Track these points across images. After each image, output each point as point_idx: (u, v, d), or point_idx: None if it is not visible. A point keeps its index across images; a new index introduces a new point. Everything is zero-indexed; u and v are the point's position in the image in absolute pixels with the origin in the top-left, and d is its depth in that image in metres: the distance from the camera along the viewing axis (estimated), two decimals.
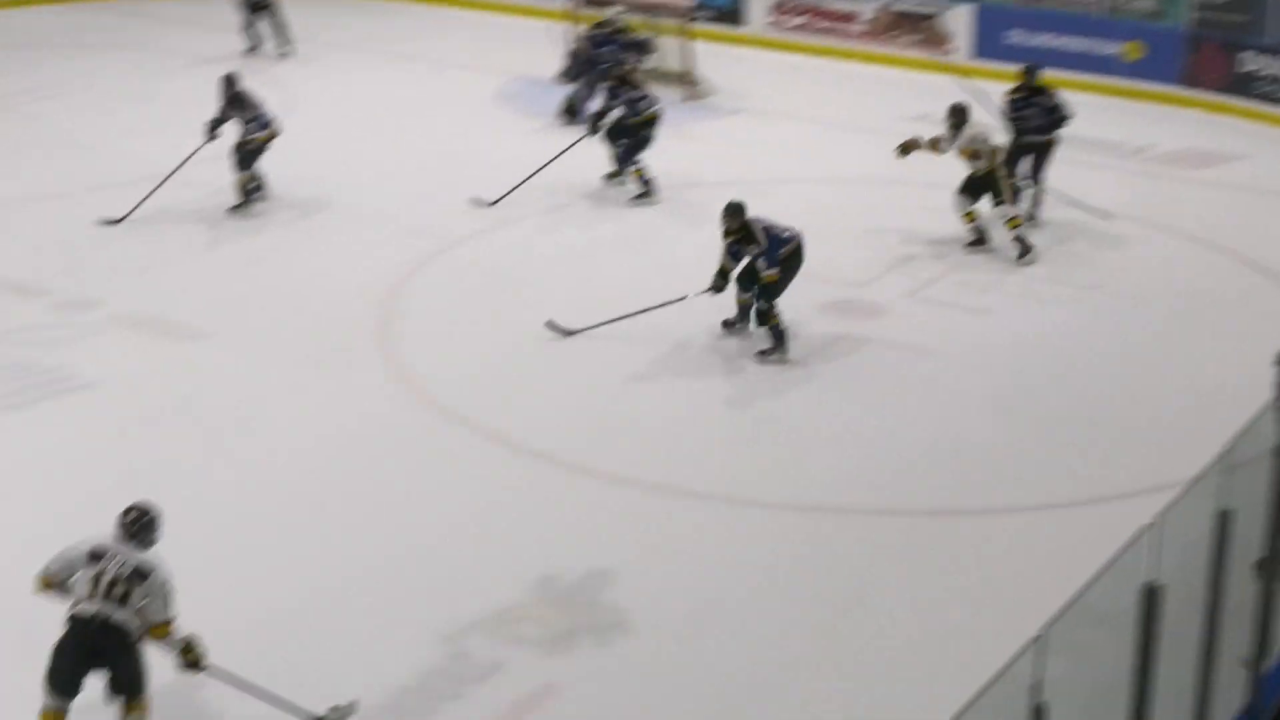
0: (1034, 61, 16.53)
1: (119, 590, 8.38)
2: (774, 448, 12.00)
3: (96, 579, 8.38)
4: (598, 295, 14.28)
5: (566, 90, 19.68)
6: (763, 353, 13.26)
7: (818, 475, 11.58)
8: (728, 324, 13.65)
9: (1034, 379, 13.07)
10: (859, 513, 11.08)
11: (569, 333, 13.53)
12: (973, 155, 15.31)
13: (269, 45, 23.03)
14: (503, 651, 9.45)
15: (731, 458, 11.84)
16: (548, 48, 20.70)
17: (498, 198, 16.44)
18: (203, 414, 12.49)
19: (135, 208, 16.16)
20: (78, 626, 8.34)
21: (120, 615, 8.34)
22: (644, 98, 16.61)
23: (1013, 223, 15.37)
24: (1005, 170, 15.46)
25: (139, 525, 8.69)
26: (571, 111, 19.33)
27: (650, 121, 16.58)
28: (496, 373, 13.16)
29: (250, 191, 16.45)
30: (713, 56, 21.70)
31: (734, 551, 10.59)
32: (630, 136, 16.60)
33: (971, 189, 15.44)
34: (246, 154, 16.43)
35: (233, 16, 23.15)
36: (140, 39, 23.81)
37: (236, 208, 16.46)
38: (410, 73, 22.26)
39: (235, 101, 16.41)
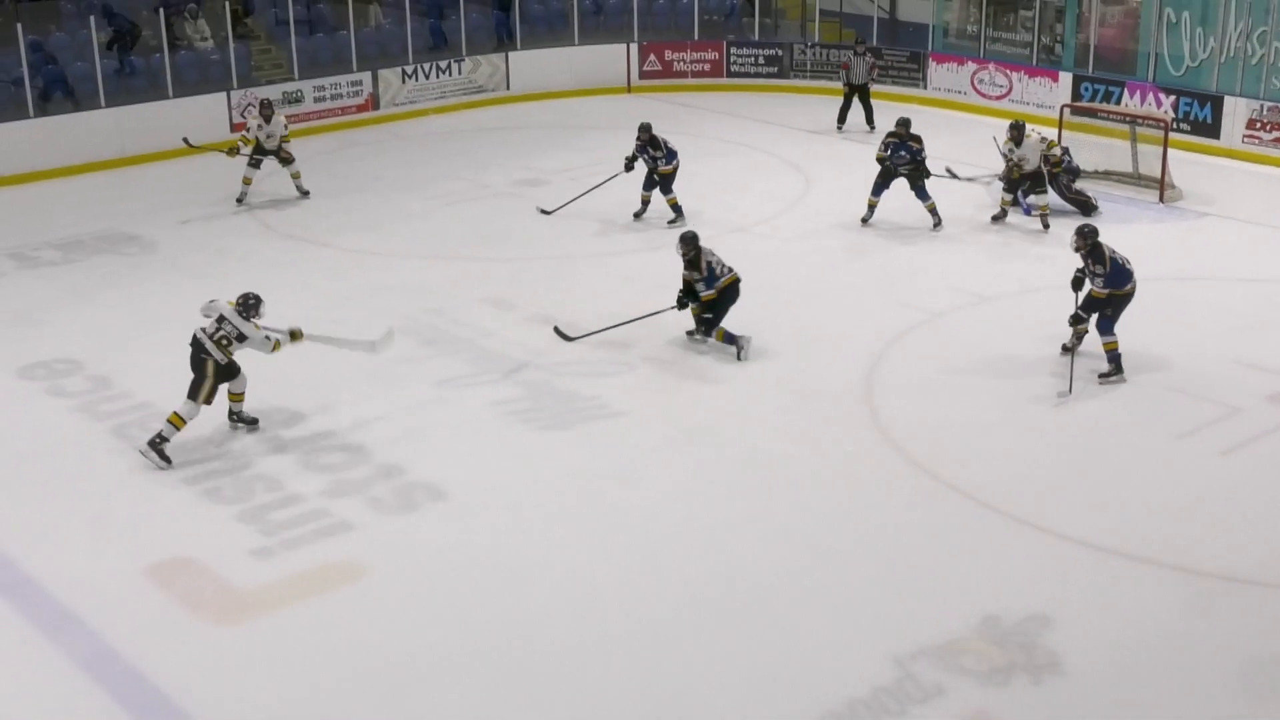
0: None
1: (224, 343, 12.36)
2: (1216, 520, 11.39)
3: (214, 332, 12.37)
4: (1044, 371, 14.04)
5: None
6: (740, 351, 14.46)
7: (1257, 549, 10.95)
8: (690, 333, 14.88)
9: None
10: None
11: (569, 338, 14.61)
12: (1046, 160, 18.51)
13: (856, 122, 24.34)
14: (945, 678, 9.34)
15: (1172, 523, 11.32)
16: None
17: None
18: (705, 443, 12.80)
19: (567, 203, 19.49)
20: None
21: (218, 355, 12.37)
22: None
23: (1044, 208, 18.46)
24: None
25: (244, 305, 12.46)
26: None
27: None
28: (966, 430, 12.99)
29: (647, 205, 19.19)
30: (1189, 164, 20.86)
31: (1168, 613, 10.15)
32: None
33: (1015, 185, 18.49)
34: (664, 180, 18.68)
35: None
36: (683, 125, 24.53)
37: (674, 220, 18.75)
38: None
39: (652, 142, 18.55)
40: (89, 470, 12.37)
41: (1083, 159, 20.37)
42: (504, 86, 26.82)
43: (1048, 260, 17.18)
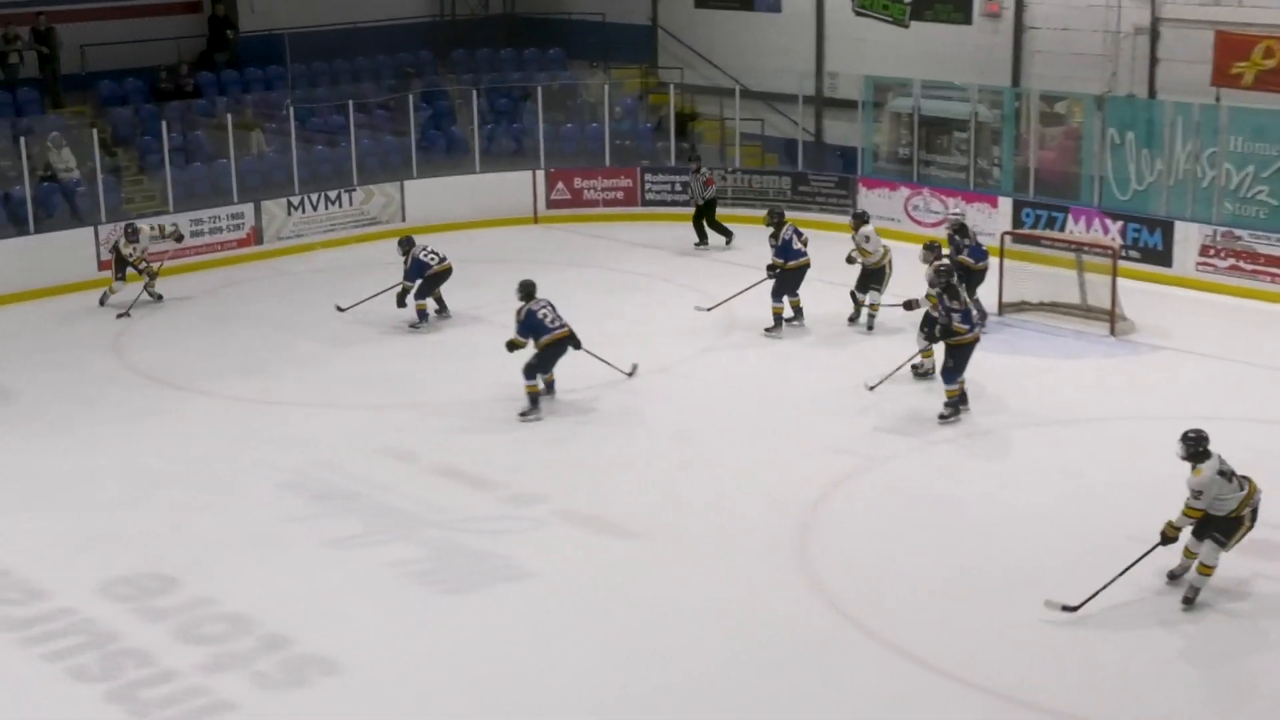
0: None
1: None
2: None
3: None
4: (1005, 529, 14.09)
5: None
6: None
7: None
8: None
9: None
10: None
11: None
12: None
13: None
14: None
15: (1136, 684, 11.36)
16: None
17: None
18: (626, 608, 12.71)
19: (361, 302, 21.25)
20: None
21: None
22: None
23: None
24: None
25: None
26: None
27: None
28: (910, 588, 12.99)
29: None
30: (1140, 294, 21.19)
31: None
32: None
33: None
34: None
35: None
36: (594, 258, 24.80)
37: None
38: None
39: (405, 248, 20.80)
40: None
41: (1027, 290, 20.71)
42: (399, 218, 26.83)
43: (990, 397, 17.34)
